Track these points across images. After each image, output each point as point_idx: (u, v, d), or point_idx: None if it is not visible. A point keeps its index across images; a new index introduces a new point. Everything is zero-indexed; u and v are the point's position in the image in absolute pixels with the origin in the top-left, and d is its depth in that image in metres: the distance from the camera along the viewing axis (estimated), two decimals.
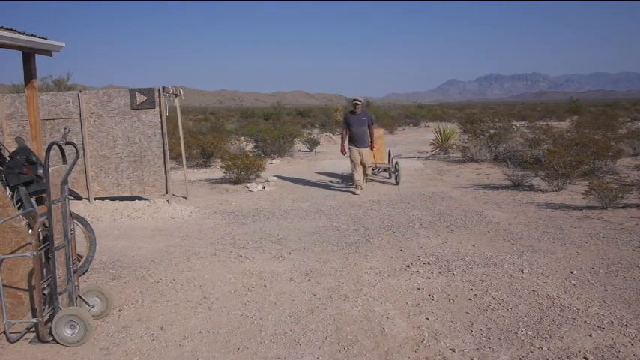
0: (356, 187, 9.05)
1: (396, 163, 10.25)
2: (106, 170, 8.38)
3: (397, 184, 9.84)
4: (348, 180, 10.46)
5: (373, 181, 10.34)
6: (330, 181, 10.58)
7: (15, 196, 4.40)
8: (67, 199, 3.45)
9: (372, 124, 9.20)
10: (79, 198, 7.10)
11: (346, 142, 9.19)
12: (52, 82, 19.60)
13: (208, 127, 22.61)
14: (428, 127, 29.29)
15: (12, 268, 3.52)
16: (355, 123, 8.98)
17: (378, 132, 10.64)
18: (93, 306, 3.64)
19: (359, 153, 9.01)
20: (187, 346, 3.27)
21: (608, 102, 67.12)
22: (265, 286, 4.35)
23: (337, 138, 22.90)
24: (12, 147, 6.72)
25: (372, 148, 9.29)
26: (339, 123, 30.72)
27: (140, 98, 8.19)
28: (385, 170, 10.80)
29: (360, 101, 9.06)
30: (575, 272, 4.48)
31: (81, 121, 8.24)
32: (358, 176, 9.07)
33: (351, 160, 9.11)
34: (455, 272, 4.55)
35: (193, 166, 12.95)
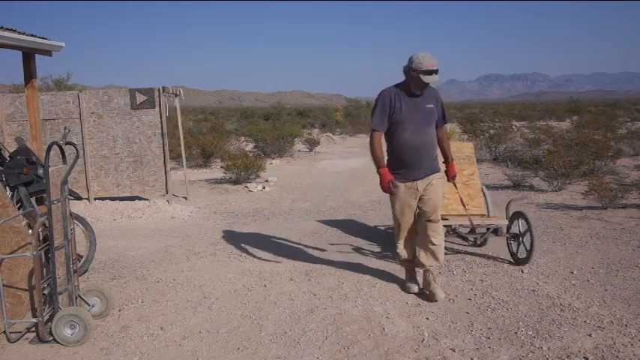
0: (409, 277, 4.17)
1: (519, 214, 4.83)
2: (106, 170, 8.38)
3: (524, 262, 4.64)
4: (388, 243, 5.49)
5: (448, 249, 5.07)
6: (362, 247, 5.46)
7: (15, 196, 4.40)
8: (67, 199, 3.44)
9: (444, 119, 4.10)
10: (79, 198, 7.11)
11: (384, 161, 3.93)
12: (52, 82, 19.60)
13: (208, 127, 22.62)
14: None
15: (12, 268, 3.52)
16: (412, 117, 3.82)
17: (462, 144, 5.75)
18: (93, 306, 3.64)
19: (416, 192, 3.89)
20: (187, 346, 3.27)
21: (608, 102, 67.18)
22: (265, 286, 4.34)
23: (338, 138, 22.73)
24: (12, 147, 6.72)
25: (451, 176, 4.18)
26: (340, 123, 30.23)
27: (140, 98, 8.19)
28: (493, 233, 4.93)
29: (436, 72, 3.68)
30: (575, 272, 4.48)
31: (81, 121, 8.24)
32: (404, 249, 4.09)
33: (395, 213, 4.00)
34: (455, 272, 4.55)
35: (193, 166, 12.95)
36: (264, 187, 9.73)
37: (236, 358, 3.11)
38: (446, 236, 4.66)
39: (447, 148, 4.18)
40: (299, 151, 16.85)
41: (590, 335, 3.26)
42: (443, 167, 4.17)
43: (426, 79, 3.65)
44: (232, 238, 6.09)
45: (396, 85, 3.95)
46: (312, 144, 17.11)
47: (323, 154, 16.28)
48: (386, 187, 3.83)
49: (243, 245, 5.72)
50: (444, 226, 4.56)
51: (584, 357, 2.99)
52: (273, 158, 14.53)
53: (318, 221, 6.92)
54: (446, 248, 4.74)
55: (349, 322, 3.56)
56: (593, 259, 4.86)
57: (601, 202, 7.06)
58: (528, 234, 4.63)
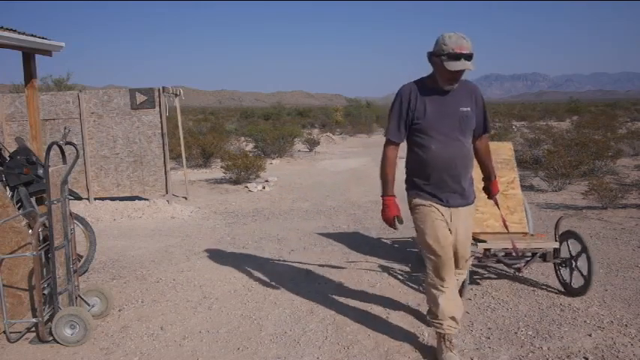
0: (444, 339, 2.94)
1: (571, 234, 4.01)
2: (105, 170, 8.39)
3: (579, 292, 3.85)
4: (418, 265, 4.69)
5: (478, 278, 4.32)
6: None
7: (15, 196, 4.40)
8: (67, 199, 3.44)
9: (487, 127, 3.02)
10: (79, 198, 7.10)
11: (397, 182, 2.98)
12: (52, 82, 19.61)
13: (208, 127, 22.63)
14: None
15: (12, 268, 3.52)
16: (440, 123, 2.80)
17: (499, 144, 4.73)
18: (93, 306, 3.64)
19: (446, 220, 2.87)
20: (187, 346, 3.27)
21: (608, 102, 67.23)
22: (265, 286, 4.34)
23: (338, 138, 22.73)
24: (12, 147, 6.72)
25: (493, 193, 3.22)
26: (340, 123, 30.12)
27: (140, 98, 8.20)
28: (541, 258, 3.99)
29: (469, 56, 2.64)
30: None
31: (81, 121, 8.24)
32: (450, 300, 2.91)
33: (427, 247, 2.89)
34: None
35: (193, 166, 12.95)
36: (264, 187, 9.73)
37: (236, 358, 3.11)
38: (479, 260, 3.98)
39: (489, 163, 3.15)
40: (299, 151, 16.85)
41: (590, 335, 3.26)
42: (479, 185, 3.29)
43: (451, 65, 2.65)
44: (232, 238, 6.09)
45: (419, 80, 2.89)
46: (312, 144, 17.11)
47: (323, 154, 16.28)
48: (390, 222, 2.92)
49: (243, 245, 5.72)
50: (485, 249, 3.88)
51: (584, 357, 2.99)
52: (273, 158, 14.53)
53: (318, 221, 6.91)
54: (482, 276, 4.34)
55: (349, 322, 3.56)
56: None
57: (601, 202, 7.07)
58: (584, 256, 3.77)
